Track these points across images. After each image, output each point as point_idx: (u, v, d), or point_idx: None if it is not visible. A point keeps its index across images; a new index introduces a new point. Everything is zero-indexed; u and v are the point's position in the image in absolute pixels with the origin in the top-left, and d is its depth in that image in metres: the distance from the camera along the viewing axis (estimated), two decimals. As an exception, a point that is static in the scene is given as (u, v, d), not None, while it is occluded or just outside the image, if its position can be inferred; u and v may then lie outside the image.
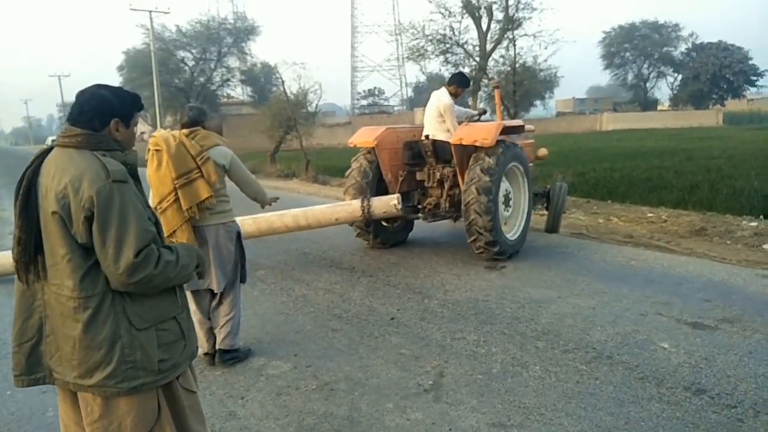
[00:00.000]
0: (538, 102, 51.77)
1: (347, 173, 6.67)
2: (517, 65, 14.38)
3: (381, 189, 6.54)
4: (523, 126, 6.92)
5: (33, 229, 1.81)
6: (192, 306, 3.71)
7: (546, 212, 7.81)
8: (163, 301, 1.93)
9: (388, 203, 5.80)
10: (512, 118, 14.17)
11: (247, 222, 5.80)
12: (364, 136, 6.42)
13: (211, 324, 3.83)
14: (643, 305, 4.59)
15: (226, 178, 3.77)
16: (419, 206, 6.64)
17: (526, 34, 14.23)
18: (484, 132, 5.76)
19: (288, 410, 3.18)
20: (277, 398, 3.32)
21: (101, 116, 1.86)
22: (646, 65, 57.68)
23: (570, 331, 4.09)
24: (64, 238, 1.77)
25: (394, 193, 6.20)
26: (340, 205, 6.08)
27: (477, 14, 15.72)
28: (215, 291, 3.69)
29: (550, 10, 13.80)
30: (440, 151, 6.34)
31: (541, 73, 37.53)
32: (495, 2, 15.15)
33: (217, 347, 3.81)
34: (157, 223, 1.96)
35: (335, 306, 4.89)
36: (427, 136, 6.34)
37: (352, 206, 5.90)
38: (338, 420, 3.04)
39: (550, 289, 5.09)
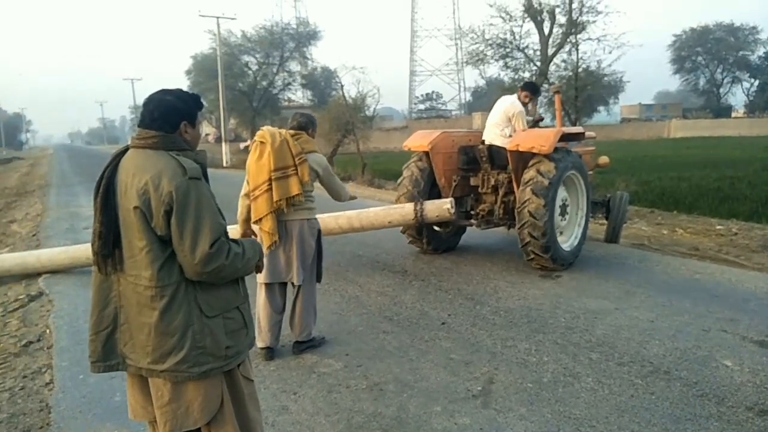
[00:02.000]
0: (601, 108, 50.47)
1: (398, 181, 6.73)
2: (580, 70, 14.03)
3: (434, 194, 6.54)
4: (583, 133, 6.77)
5: (112, 224, 1.95)
6: (262, 299, 3.98)
7: (606, 222, 7.63)
8: (229, 292, 2.07)
9: (441, 207, 5.82)
10: (573, 124, 13.86)
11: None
12: (419, 140, 6.45)
13: (280, 318, 4.04)
14: (706, 320, 4.41)
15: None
16: (472, 212, 6.61)
17: (589, 38, 13.87)
18: (542, 139, 5.69)
19: (338, 408, 3.26)
20: (328, 395, 3.41)
21: (171, 120, 2.01)
22: (719, 70, 55.16)
23: (626, 344, 3.99)
24: (143, 232, 1.90)
25: (447, 197, 6.21)
26: (393, 208, 6.15)
27: (539, 18, 15.47)
28: (296, 283, 3.90)
29: (616, 14, 13.32)
30: (496, 156, 6.31)
31: (605, 78, 36.49)
32: (558, 6, 14.87)
33: (295, 339, 4.05)
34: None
35: (387, 308, 4.95)
36: (483, 141, 6.32)
37: (405, 209, 5.96)
38: (386, 420, 3.10)
39: (606, 300, 4.97)
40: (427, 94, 75.55)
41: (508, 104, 6.33)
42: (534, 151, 5.68)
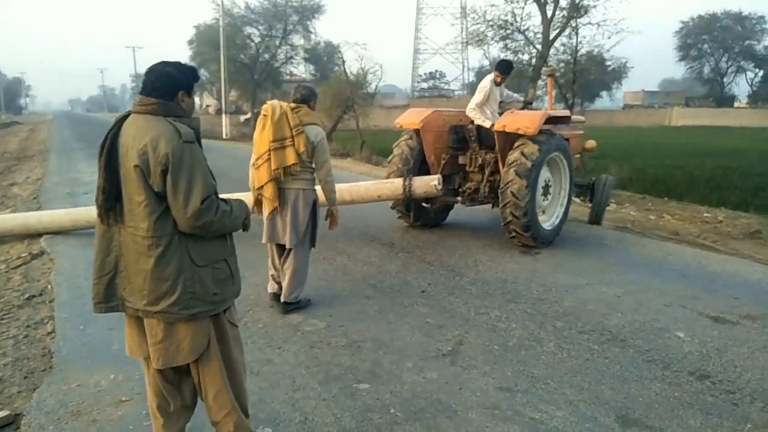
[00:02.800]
0: (604, 93, 50.28)
1: (389, 159, 6.94)
2: (579, 54, 14.13)
3: (423, 171, 6.76)
4: (569, 117, 6.98)
5: (115, 180, 2.17)
6: (269, 254, 4.51)
7: (590, 204, 7.87)
8: (218, 245, 2.31)
9: (428, 183, 6.07)
10: (570, 108, 14.01)
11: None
12: (411, 118, 6.66)
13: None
14: (669, 297, 4.70)
15: None
16: (460, 190, 6.85)
17: (590, 23, 13.93)
18: (527, 120, 5.91)
19: (318, 361, 3.54)
20: (309, 351, 3.70)
21: (170, 89, 2.22)
22: (724, 59, 54.78)
23: (590, 315, 4.28)
24: (142, 188, 2.12)
25: (435, 175, 6.44)
26: (383, 183, 6.39)
27: (542, 0, 15.49)
28: (287, 246, 4.22)
29: (618, -1, 13.37)
30: (484, 137, 6.53)
31: (608, 63, 36.20)
32: (561, -12, 14.91)
33: (282, 299, 4.34)
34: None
35: (372, 277, 5.23)
36: (472, 121, 6.53)
37: (395, 184, 6.21)
38: (361, 372, 3.39)
39: (579, 276, 5.25)
40: (430, 73, 75.05)
41: (481, 83, 6.56)
42: (520, 132, 5.90)
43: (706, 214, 9.61)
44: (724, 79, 55.68)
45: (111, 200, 2.18)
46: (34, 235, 6.79)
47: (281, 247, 4.37)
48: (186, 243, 2.20)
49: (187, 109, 2.29)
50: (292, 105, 4.17)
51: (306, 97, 4.24)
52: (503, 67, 6.62)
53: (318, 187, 4.35)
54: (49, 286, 5.08)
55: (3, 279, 5.37)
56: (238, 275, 2.44)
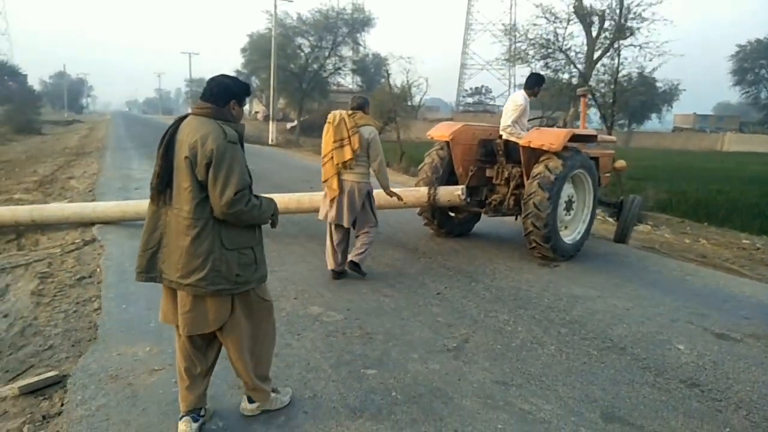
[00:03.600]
0: (653, 115, 49.21)
1: (419, 167, 7.23)
2: (620, 76, 14.12)
3: (452, 182, 7.02)
4: (595, 136, 7.13)
5: (169, 168, 2.58)
6: (328, 234, 5.39)
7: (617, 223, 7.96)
8: (246, 234, 2.68)
9: (452, 193, 6.33)
10: (609, 129, 13.99)
11: (318, 197, 6.57)
12: (441, 130, 6.95)
13: (340, 250, 5.35)
14: (678, 313, 4.81)
15: None
16: (486, 201, 7.08)
17: (632, 44, 13.91)
18: (552, 137, 6.11)
19: (332, 348, 3.85)
20: (325, 338, 4.01)
21: (224, 97, 2.63)
22: (783, 85, 52.92)
23: (596, 325, 4.45)
24: (189, 176, 2.52)
25: (462, 186, 6.69)
26: (409, 190, 6.68)
27: (588, 20, 15.56)
28: (345, 226, 5.22)
29: (663, 21, 13.25)
30: (512, 151, 6.74)
31: (658, 85, 35.40)
32: (606, 10, 14.95)
33: (350, 260, 5.35)
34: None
35: (392, 278, 5.52)
36: (500, 136, 6.77)
37: (420, 192, 6.50)
38: (370, 360, 3.68)
39: (593, 289, 5.41)
40: (476, 88, 75.12)
41: (511, 101, 6.77)
42: (544, 148, 6.11)
43: (744, 241, 9.50)
44: (782, 105, 53.73)
45: (163, 184, 2.60)
46: (88, 223, 7.37)
47: (340, 228, 5.28)
48: (219, 228, 2.58)
49: (236, 116, 2.69)
50: (349, 112, 5.15)
51: (360, 105, 5.22)
52: (533, 82, 6.80)
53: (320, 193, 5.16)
54: (98, 270, 5.57)
55: (58, 261, 5.90)
56: (264, 263, 2.81)
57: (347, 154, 5.03)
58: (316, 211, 5.71)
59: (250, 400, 2.96)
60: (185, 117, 2.68)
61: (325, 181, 5.19)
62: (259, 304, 2.83)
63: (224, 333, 2.73)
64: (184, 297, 2.63)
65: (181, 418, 2.79)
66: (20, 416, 3.01)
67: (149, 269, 2.67)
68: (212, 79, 2.69)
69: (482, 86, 74.38)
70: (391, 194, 5.61)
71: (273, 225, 2.86)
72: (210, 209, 2.54)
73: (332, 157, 5.06)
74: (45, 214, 7.35)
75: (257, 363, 2.89)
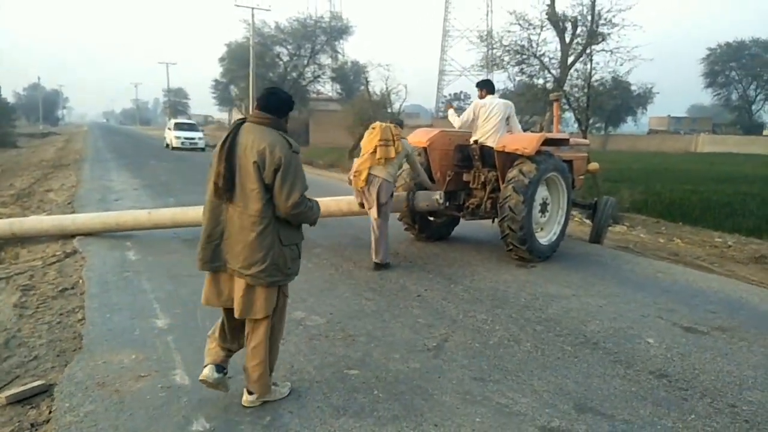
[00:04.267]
0: (629, 118, 50.12)
1: (398, 173, 7.36)
2: (593, 80, 14.45)
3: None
4: (568, 139, 7.34)
5: (233, 170, 2.86)
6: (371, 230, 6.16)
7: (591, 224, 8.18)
8: (297, 232, 3.06)
9: (430, 197, 6.48)
10: (584, 132, 14.29)
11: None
12: (419, 137, 7.10)
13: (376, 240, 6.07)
14: (648, 309, 5.01)
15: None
16: (464, 205, 7.24)
17: (603, 50, 14.25)
18: (525, 141, 6.30)
19: (315, 351, 3.95)
20: (309, 342, 4.11)
21: (284, 110, 3.00)
22: (753, 86, 54.29)
23: (570, 322, 4.61)
24: (256, 179, 2.83)
25: (440, 190, 6.84)
26: (388, 197, 6.81)
27: (561, 26, 15.87)
28: (374, 217, 6.03)
29: (632, 27, 13.61)
30: (487, 156, 6.91)
31: (632, 88, 36.00)
32: (578, 16, 15.28)
33: (374, 261, 6.07)
34: None
35: (373, 281, 5.64)
36: (476, 141, 6.94)
37: (399, 197, 6.63)
38: (353, 361, 3.79)
39: (568, 288, 5.58)
40: (455, 94, 75.58)
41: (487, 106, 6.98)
42: (518, 152, 6.29)
43: (717, 239, 9.78)
44: (753, 107, 55.11)
45: (228, 184, 2.87)
46: (68, 236, 7.36)
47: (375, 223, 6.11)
48: (278, 226, 2.94)
49: (286, 127, 3.06)
50: (393, 125, 6.20)
51: (399, 123, 6.47)
52: (485, 85, 7.11)
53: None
54: (81, 281, 5.59)
55: (39, 274, 5.91)
56: (300, 258, 3.16)
57: (391, 152, 5.96)
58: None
59: (251, 392, 3.14)
60: (242, 123, 2.98)
61: (355, 173, 6.06)
62: (283, 300, 3.16)
63: (270, 319, 3.04)
64: (242, 284, 2.94)
65: (205, 366, 3.11)
66: (8, 425, 3.05)
67: (213, 259, 2.97)
68: (272, 93, 3.02)
69: (461, 92, 74.84)
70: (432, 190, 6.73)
71: (313, 224, 3.20)
72: (273, 209, 2.89)
73: (373, 153, 5.94)
74: (25, 227, 7.33)
75: (271, 352, 3.13)
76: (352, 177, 6.22)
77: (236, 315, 2.99)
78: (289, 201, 2.84)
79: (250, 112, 3.08)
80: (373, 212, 6.01)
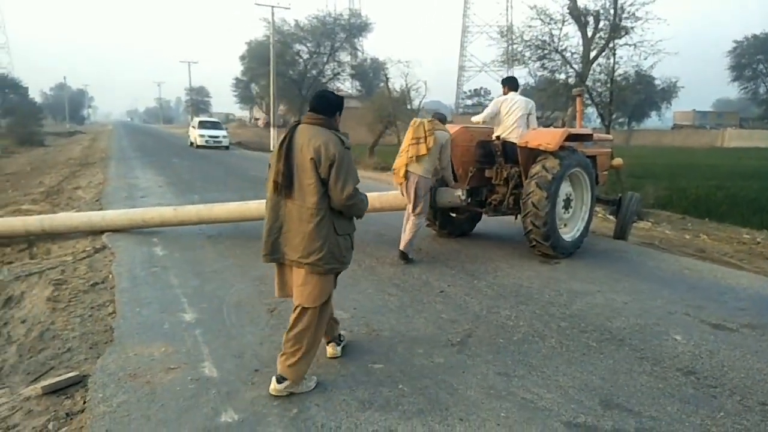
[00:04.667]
0: (653, 113, 49.32)
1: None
2: (616, 74, 14.26)
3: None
4: (591, 135, 7.26)
5: (291, 167, 3.12)
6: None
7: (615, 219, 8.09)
8: (349, 223, 3.31)
9: (453, 194, 6.48)
10: (608, 127, 14.12)
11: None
12: (440, 133, 7.08)
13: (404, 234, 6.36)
14: (675, 306, 4.95)
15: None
16: (486, 201, 7.22)
17: (626, 44, 14.04)
18: (549, 137, 6.26)
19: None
20: (333, 336, 4.14)
21: (331, 110, 3.24)
22: (781, 79, 52.95)
23: (595, 318, 4.58)
24: (313, 174, 3.08)
25: (463, 187, 6.83)
26: (412, 193, 6.82)
27: (583, 20, 15.69)
28: (410, 212, 6.29)
29: (656, 20, 13.38)
30: (510, 151, 6.88)
31: (657, 82, 35.36)
32: (600, 10, 15.10)
33: (400, 248, 6.31)
34: None
35: (396, 277, 5.66)
36: (498, 137, 6.91)
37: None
38: (377, 355, 3.82)
39: (592, 284, 5.54)
40: (475, 90, 75.26)
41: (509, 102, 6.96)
42: (541, 148, 6.26)
43: (745, 236, 9.60)
44: (782, 100, 53.74)
45: (287, 181, 3.13)
46: (97, 232, 7.53)
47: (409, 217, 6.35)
48: (333, 217, 3.18)
49: (337, 125, 3.29)
50: (430, 119, 6.30)
51: (440, 118, 6.51)
52: (510, 83, 7.15)
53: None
54: (110, 276, 5.71)
55: (70, 268, 6.05)
56: (353, 248, 3.41)
57: (422, 149, 6.07)
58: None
59: (280, 381, 3.25)
60: (297, 125, 3.24)
61: (393, 170, 6.33)
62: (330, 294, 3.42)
63: (323, 306, 3.31)
64: (301, 273, 3.21)
65: (328, 343, 3.76)
66: (44, 414, 3.15)
67: (273, 252, 3.25)
68: (321, 96, 3.29)
69: (481, 88, 74.49)
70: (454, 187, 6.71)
71: (359, 217, 3.45)
72: (328, 202, 3.13)
73: (407, 150, 6.13)
74: (55, 223, 7.51)
75: (313, 343, 3.32)
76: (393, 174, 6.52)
77: (295, 303, 3.28)
78: (344, 193, 3.08)
79: (302, 115, 3.31)
80: (410, 208, 6.25)
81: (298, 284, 3.23)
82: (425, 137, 6.08)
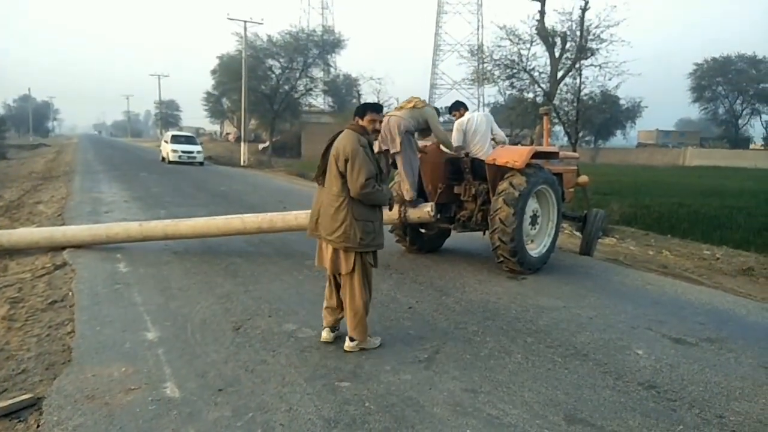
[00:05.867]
0: (618, 132, 50.68)
1: (390, 186, 7.41)
2: (583, 94, 14.65)
3: (423, 199, 7.19)
4: (557, 152, 7.42)
5: (326, 163, 4.05)
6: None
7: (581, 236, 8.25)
8: (369, 210, 4.00)
9: (422, 210, 6.52)
10: (574, 146, 14.45)
11: (290, 217, 6.72)
12: (410, 151, 7.13)
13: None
14: (638, 320, 5.05)
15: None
16: (455, 217, 7.28)
17: (592, 65, 14.47)
18: (516, 154, 6.37)
19: (307, 362, 3.95)
20: (300, 354, 4.10)
21: (355, 115, 4.12)
22: (739, 101, 55.05)
23: (560, 333, 4.64)
24: (335, 168, 3.91)
25: (431, 203, 6.88)
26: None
27: (550, 41, 16.10)
28: (396, 151, 6.56)
29: (620, 43, 13.85)
30: (478, 168, 6.98)
31: (621, 102, 36.41)
32: (567, 31, 15.53)
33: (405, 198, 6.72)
34: (380, 172, 4.05)
35: (364, 293, 5.63)
36: (467, 154, 7.00)
37: (391, 210, 6.66)
38: (344, 372, 3.79)
39: (558, 299, 5.62)
40: (446, 107, 76.15)
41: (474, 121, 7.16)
42: (508, 165, 6.36)
43: (705, 252, 9.88)
44: (739, 121, 55.84)
45: (322, 173, 4.11)
46: (58, 248, 7.31)
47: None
48: (352, 204, 3.92)
49: (366, 128, 4.05)
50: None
51: (437, 110, 7.17)
52: (454, 106, 7.59)
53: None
54: (70, 293, 5.55)
55: (28, 286, 5.86)
56: (382, 234, 4.13)
57: (411, 103, 6.79)
58: (290, 230, 6.06)
59: (351, 339, 4.10)
60: (340, 132, 4.08)
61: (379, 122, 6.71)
62: (369, 266, 4.11)
63: (349, 278, 4.04)
64: (330, 248, 4.03)
65: (324, 329, 4.33)
66: (-5, 439, 3.03)
67: (314, 230, 4.13)
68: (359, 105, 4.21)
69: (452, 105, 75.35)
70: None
71: (390, 207, 4.39)
72: (347, 190, 3.88)
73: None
74: (14, 239, 7.28)
75: (364, 305, 4.08)
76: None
77: (329, 272, 4.15)
78: (358, 182, 3.80)
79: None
80: (396, 145, 6.42)
81: (328, 256, 4.06)
82: (415, 105, 6.64)
